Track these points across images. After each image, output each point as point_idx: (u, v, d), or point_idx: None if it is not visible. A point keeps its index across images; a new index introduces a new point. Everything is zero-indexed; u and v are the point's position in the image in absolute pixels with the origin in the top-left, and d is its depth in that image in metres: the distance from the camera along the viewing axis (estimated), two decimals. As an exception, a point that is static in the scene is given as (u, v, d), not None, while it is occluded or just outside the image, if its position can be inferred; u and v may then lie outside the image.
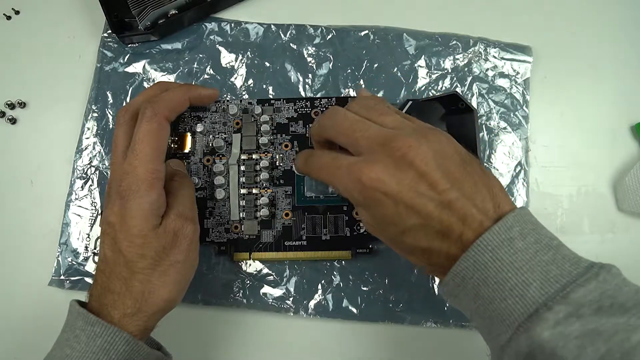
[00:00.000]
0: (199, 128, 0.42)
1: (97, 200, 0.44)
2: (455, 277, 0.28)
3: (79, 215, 0.43)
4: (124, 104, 0.45)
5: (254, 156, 0.42)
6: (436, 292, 0.41)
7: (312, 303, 0.41)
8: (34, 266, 0.43)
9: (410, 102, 0.41)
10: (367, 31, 0.46)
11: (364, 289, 0.41)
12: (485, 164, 0.43)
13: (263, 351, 0.41)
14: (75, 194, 0.44)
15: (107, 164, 0.44)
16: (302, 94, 0.45)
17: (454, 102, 0.41)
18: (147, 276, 0.33)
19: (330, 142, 0.34)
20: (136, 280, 0.33)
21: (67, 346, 0.31)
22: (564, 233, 0.43)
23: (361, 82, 0.45)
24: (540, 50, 0.45)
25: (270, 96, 0.45)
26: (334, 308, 0.41)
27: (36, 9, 0.48)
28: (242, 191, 0.42)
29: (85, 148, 0.45)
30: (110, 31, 0.46)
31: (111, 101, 0.45)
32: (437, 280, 0.41)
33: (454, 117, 0.41)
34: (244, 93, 0.45)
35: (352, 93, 0.45)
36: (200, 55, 0.46)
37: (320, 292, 0.41)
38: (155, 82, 0.45)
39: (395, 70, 0.45)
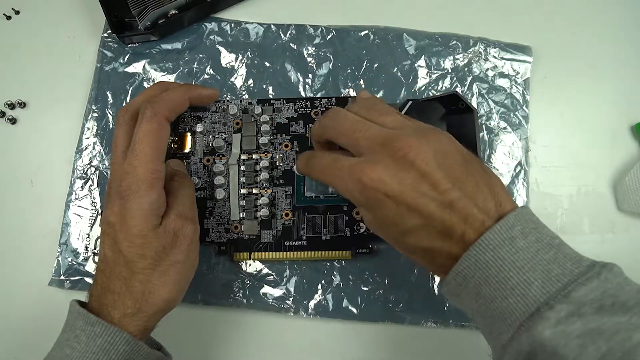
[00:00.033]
0: (199, 128, 0.42)
1: (97, 200, 0.44)
2: (456, 276, 0.28)
3: (79, 215, 0.43)
4: (124, 104, 0.45)
5: (254, 156, 0.42)
6: (436, 292, 0.41)
7: (312, 303, 0.41)
8: (34, 266, 0.43)
9: (410, 102, 0.41)
10: (367, 31, 0.46)
11: (364, 289, 0.41)
12: (485, 164, 0.43)
13: (263, 351, 0.41)
14: (75, 194, 0.44)
15: (107, 164, 0.44)
16: (302, 94, 0.45)
17: (454, 102, 0.41)
18: (147, 276, 0.33)
19: (330, 143, 0.34)
20: (136, 280, 0.33)
21: (67, 346, 0.31)
22: (564, 233, 0.42)
23: (361, 82, 0.45)
24: (540, 50, 0.45)
25: (270, 96, 0.45)
26: (334, 308, 0.41)
27: (36, 9, 0.48)
28: (242, 191, 0.42)
29: (85, 148, 0.45)
30: (110, 31, 0.46)
31: (111, 101, 0.45)
32: (437, 280, 0.41)
33: (454, 117, 0.41)
34: (244, 93, 0.45)
35: (352, 93, 0.45)
36: (200, 55, 0.46)
37: (320, 292, 0.41)
38: (155, 82, 0.45)
39: (395, 70, 0.45)
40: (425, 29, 0.46)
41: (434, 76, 0.45)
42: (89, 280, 0.42)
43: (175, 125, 0.43)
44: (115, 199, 0.33)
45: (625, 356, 0.23)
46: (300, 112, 0.43)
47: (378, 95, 0.45)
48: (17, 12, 0.48)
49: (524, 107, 0.44)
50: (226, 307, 0.42)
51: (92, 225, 0.43)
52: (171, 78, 0.46)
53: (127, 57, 0.46)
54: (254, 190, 0.42)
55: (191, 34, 0.47)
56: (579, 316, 0.24)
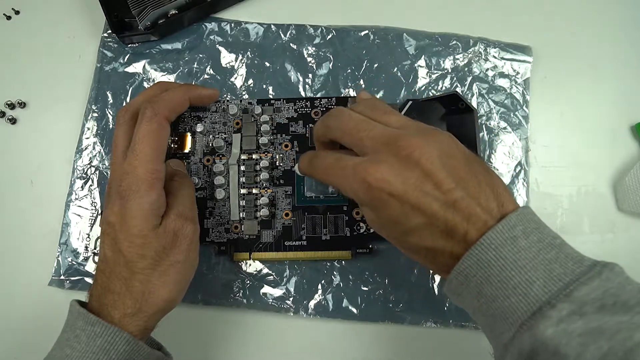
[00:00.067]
0: (199, 128, 0.42)
1: (97, 200, 0.44)
2: (458, 275, 0.28)
3: (79, 215, 0.43)
4: (124, 104, 0.45)
5: (254, 156, 0.42)
6: (436, 292, 0.41)
7: (312, 303, 0.41)
8: (34, 266, 0.43)
9: (410, 102, 0.41)
10: (367, 31, 0.46)
11: (364, 289, 0.41)
12: (487, 164, 0.43)
13: (263, 351, 0.41)
14: (75, 194, 0.44)
15: (107, 164, 0.44)
16: (302, 94, 0.45)
17: (454, 102, 0.41)
18: (147, 276, 0.33)
19: (333, 143, 0.34)
20: (136, 281, 0.33)
21: (67, 346, 0.31)
22: (564, 233, 0.42)
23: (361, 82, 0.45)
24: (540, 50, 0.45)
25: (270, 96, 0.45)
26: (334, 308, 0.41)
27: (36, 9, 0.48)
28: (242, 191, 0.42)
29: (85, 148, 0.45)
30: (110, 31, 0.46)
31: (111, 101, 0.45)
32: (437, 280, 0.41)
33: (454, 117, 0.41)
34: (244, 93, 0.45)
35: (352, 93, 0.45)
36: (200, 55, 0.46)
37: (320, 292, 0.41)
38: (155, 82, 0.45)
39: (395, 70, 0.45)
40: (425, 29, 0.46)
41: (434, 76, 0.45)
42: (89, 280, 0.42)
43: (175, 125, 0.43)
44: (115, 199, 0.33)
45: (626, 355, 0.23)
46: (300, 112, 0.43)
47: (378, 95, 0.45)
48: (17, 12, 0.48)
49: (524, 107, 0.44)
50: (226, 307, 0.42)
51: (92, 225, 0.43)
52: (171, 78, 0.46)
53: (127, 57, 0.46)
54: (254, 190, 0.41)
55: (191, 34, 0.47)
56: (581, 315, 0.24)
